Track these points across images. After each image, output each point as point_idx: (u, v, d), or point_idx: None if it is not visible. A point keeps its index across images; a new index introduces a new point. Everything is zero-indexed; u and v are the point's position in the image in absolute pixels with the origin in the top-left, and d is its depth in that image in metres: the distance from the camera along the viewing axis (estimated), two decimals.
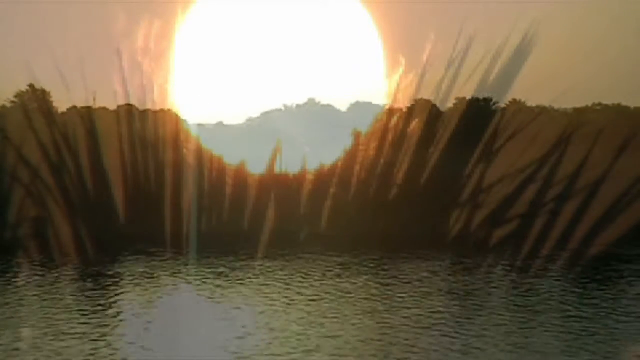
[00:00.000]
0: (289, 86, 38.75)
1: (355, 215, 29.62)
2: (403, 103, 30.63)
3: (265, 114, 37.67)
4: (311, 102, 41.78)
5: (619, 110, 36.65)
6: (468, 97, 32.06)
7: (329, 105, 41.14)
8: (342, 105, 40.62)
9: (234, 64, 34.13)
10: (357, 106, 41.31)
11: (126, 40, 29.08)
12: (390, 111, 30.01)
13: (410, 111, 30.08)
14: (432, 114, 31.08)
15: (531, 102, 31.80)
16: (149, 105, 29.32)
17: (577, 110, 35.26)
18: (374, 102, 40.70)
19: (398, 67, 30.50)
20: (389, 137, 29.86)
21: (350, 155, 29.98)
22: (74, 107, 30.05)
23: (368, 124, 39.15)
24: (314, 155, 31.60)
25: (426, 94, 30.58)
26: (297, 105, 40.62)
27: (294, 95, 39.95)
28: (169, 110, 29.54)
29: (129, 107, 29.41)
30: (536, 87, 33.52)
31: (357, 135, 29.69)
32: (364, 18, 38.35)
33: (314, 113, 40.77)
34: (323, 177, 30.38)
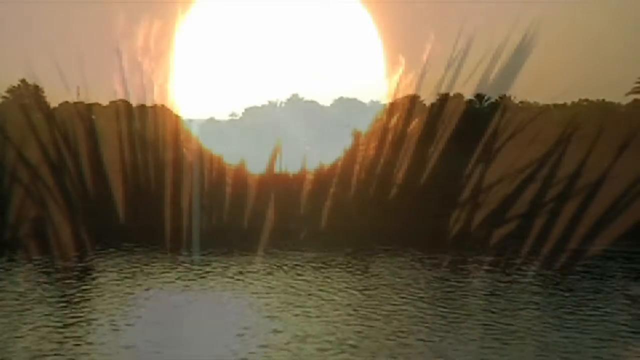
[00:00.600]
0: (285, 82, 39.19)
1: (341, 212, 29.91)
2: (388, 100, 31.01)
3: (258, 109, 38.08)
4: (295, 98, 42.29)
5: (600, 106, 37.21)
6: (460, 95, 32.46)
7: (312, 101, 41.68)
8: (326, 101, 41.15)
9: (229, 62, 34.45)
10: (340, 102, 41.86)
11: (127, 40, 29.24)
12: (387, 110, 30.35)
13: (400, 109, 30.43)
14: (417, 112, 31.43)
15: (517, 99, 32.16)
16: (142, 102, 29.51)
17: (558, 106, 35.77)
18: (359, 98, 41.31)
19: (398, 66, 30.82)
20: (386, 136, 30.21)
21: (348, 153, 30.30)
22: (66, 102, 30.23)
23: (353, 119, 39.64)
24: (296, 149, 31.96)
25: (424, 94, 30.96)
26: (282, 102, 41.12)
27: (287, 91, 40.43)
28: (162, 106, 29.75)
29: (123, 102, 29.60)
30: (528, 85, 33.87)
31: (357, 135, 30.04)
32: (363, 17, 38.74)
33: (298, 108, 41.23)
34: (306, 174, 30.69)
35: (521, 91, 31.59)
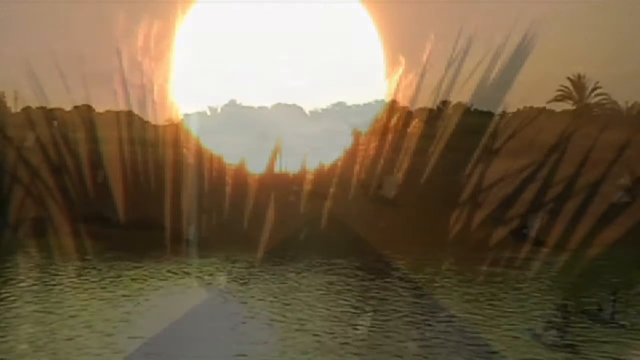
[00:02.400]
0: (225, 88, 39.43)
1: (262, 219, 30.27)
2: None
3: (200, 114, 38.28)
4: (232, 104, 42.62)
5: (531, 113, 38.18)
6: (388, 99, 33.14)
7: (250, 107, 42.05)
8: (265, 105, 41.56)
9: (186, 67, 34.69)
10: (278, 107, 42.36)
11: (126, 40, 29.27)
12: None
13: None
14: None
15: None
16: (109, 108, 29.73)
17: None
18: (298, 103, 41.93)
19: (399, 67, 31.12)
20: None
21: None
22: (29, 107, 30.18)
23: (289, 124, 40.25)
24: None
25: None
26: (221, 108, 41.39)
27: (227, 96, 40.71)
28: (128, 112, 29.94)
29: (87, 107, 29.73)
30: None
31: (357, 135, 30.64)
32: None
33: (235, 114, 41.59)
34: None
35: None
